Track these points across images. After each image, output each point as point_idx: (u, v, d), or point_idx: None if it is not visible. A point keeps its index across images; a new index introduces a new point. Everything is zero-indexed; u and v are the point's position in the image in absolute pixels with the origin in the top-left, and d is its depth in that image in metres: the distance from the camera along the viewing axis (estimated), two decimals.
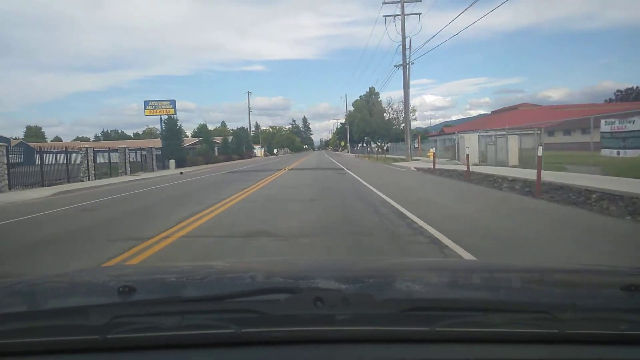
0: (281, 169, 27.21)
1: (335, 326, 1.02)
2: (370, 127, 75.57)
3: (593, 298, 1.26)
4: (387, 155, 43.36)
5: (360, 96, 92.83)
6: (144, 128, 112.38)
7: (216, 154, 54.02)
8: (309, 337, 1.01)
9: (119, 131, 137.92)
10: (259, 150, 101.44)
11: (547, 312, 1.04)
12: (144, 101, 38.72)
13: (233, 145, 65.92)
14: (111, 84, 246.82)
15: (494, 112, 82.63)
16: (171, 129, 37.46)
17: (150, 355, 1.01)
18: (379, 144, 76.33)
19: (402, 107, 75.52)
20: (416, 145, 45.28)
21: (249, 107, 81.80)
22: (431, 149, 29.97)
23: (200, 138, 57.73)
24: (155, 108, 38.77)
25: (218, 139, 65.65)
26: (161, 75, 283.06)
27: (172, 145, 36.72)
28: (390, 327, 1.02)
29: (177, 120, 38.34)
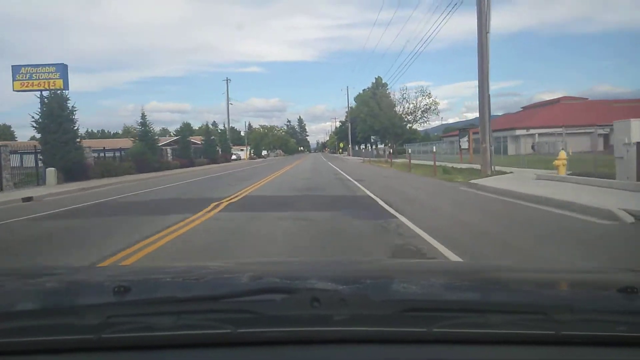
0: (211, 206, 9.81)
1: (332, 327, 1.00)
2: (379, 123, 59.29)
3: (590, 299, 1.24)
4: (411, 160, 27.25)
5: (364, 89, 76.49)
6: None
7: (169, 157, 38.19)
8: (305, 337, 1.00)
9: (106, 131, 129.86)
10: (245, 152, 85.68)
11: (544, 313, 1.03)
12: (12, 66, 22.10)
13: (206, 145, 50.03)
14: (107, 85, 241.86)
15: (525, 108, 66.69)
16: (54, 114, 21.03)
17: (145, 355, 1.00)
18: (387, 144, 60.13)
19: (419, 98, 59.30)
20: (465, 145, 29.38)
21: (227, 99, 65.43)
22: (561, 151, 14.17)
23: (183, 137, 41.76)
24: (30, 78, 22.33)
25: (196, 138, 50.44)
26: (156, 76, 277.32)
27: (56, 142, 20.65)
28: (387, 328, 1.01)
29: (69, 98, 21.82)
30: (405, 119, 59.97)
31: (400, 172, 23.55)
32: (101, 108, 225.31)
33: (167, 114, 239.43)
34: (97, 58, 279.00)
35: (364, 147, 78.25)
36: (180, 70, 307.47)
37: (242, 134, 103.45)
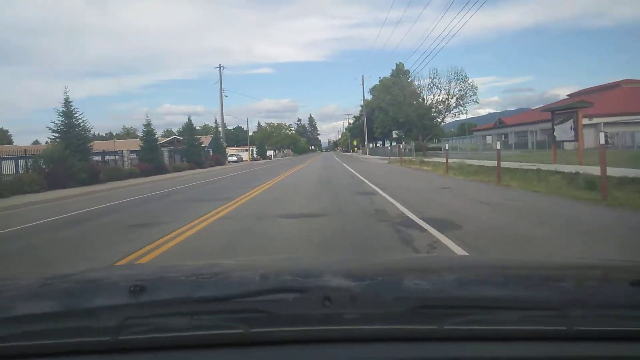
0: None
1: (344, 325, 1.00)
2: (404, 115, 47.64)
3: (602, 294, 1.22)
4: (450, 160, 16.39)
5: (379, 79, 65.12)
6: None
7: (126, 163, 27.89)
8: (317, 336, 1.00)
9: (113, 133, 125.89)
10: (248, 153, 75.37)
11: (556, 309, 1.03)
12: None
13: (189, 146, 39.76)
14: (121, 89, 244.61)
15: (571, 96, 54.26)
16: None
17: (160, 356, 0.99)
18: (416, 139, 48.49)
19: (453, 84, 47.56)
20: (565, 136, 18.43)
21: (220, 90, 54.51)
22: None
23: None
24: None
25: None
26: (171, 79, 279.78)
27: None
28: (398, 326, 1.01)
29: None
30: (435, 109, 48.89)
31: (481, 184, 12.64)
32: (117, 112, 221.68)
33: (181, 116, 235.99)
34: (111, 63, 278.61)
35: (381, 144, 66.92)
36: (193, 74, 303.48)
37: (252, 133, 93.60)
